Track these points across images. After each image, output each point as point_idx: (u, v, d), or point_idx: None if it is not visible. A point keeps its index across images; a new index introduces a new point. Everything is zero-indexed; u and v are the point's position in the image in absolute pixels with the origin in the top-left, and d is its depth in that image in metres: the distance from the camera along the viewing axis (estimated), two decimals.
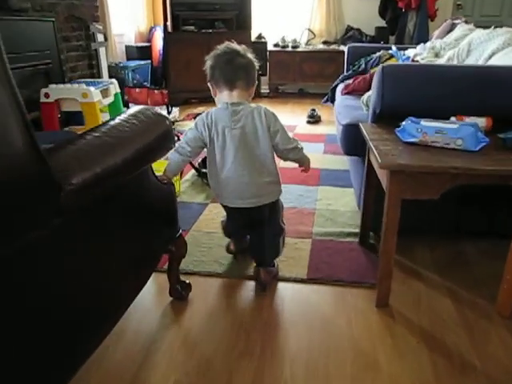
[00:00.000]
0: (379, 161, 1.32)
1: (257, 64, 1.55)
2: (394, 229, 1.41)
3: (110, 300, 1.15)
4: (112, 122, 1.02)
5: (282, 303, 1.59)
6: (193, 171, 2.88)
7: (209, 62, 1.52)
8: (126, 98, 2.49)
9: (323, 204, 2.39)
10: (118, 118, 1.06)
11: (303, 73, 5.59)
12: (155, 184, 1.30)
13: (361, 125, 1.75)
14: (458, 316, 1.51)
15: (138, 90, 2.40)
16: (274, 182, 1.59)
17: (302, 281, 1.71)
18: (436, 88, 1.68)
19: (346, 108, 2.39)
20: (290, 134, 1.57)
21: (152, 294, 1.66)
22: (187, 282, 1.62)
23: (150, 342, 1.41)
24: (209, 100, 5.49)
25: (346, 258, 1.85)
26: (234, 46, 1.53)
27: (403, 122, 1.56)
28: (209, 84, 1.55)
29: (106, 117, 3.76)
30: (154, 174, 1.28)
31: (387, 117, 1.74)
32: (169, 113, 2.44)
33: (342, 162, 3.08)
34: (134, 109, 1.12)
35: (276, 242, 1.68)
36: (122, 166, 0.95)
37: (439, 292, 1.65)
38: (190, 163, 2.79)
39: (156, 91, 2.36)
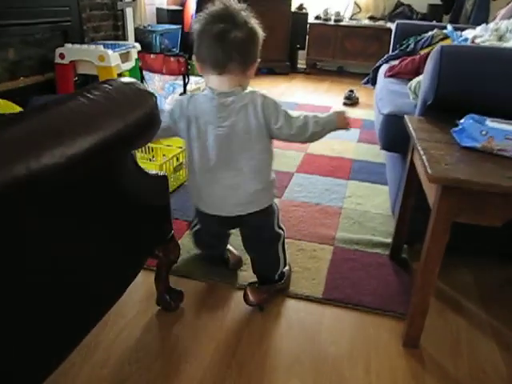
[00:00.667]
0: (428, 171, 1.01)
1: (261, 33, 1.19)
2: (437, 259, 1.10)
3: (74, 314, 0.91)
4: (69, 100, 0.75)
5: (288, 328, 1.31)
6: None
7: (195, 28, 1.17)
8: (139, 64, 2.22)
9: (352, 203, 2.08)
10: (80, 92, 0.78)
11: (344, 49, 5.16)
12: (138, 175, 1.03)
13: (406, 118, 1.42)
14: (506, 370, 1.20)
15: (152, 56, 2.12)
16: (267, 189, 1.29)
17: (315, 300, 1.42)
18: (507, 78, 1.33)
19: (389, 94, 2.04)
20: (296, 113, 1.27)
21: (138, 297, 1.41)
22: (178, 289, 1.37)
23: (123, 363, 1.17)
24: (260, 72, 5.16)
25: (372, 276, 1.55)
26: (232, 7, 1.15)
27: (462, 120, 1.22)
28: (194, 58, 1.21)
29: None
30: (136, 162, 1.01)
31: (441, 110, 1.40)
32: (185, 84, 2.16)
33: (379, 153, 2.73)
34: (107, 82, 0.84)
35: (272, 252, 1.38)
36: (67, 164, 0.68)
37: (483, 332, 1.34)
38: None
39: (172, 58, 2.08)
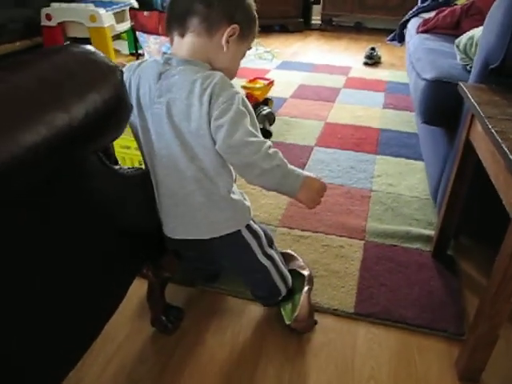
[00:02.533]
0: None
1: None
2: None
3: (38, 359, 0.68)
4: None
5: (314, 356, 1.05)
6: None
7: None
8: (131, 23, 1.90)
9: (382, 184, 1.79)
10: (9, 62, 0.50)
11: (363, 3, 4.69)
12: (109, 178, 0.76)
13: (462, 85, 1.11)
14: None
15: (146, 13, 1.80)
16: (220, 207, 0.95)
17: (346, 315, 1.16)
18: None
19: (428, 53, 1.70)
20: (256, 139, 0.87)
21: (129, 314, 1.15)
22: (177, 306, 1.12)
23: None
24: (271, 29, 4.73)
25: (414, 281, 1.28)
26: None
27: None
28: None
29: (122, 46, 3.18)
30: (105, 163, 0.73)
31: (507, 76, 1.09)
32: None
33: (408, 120, 2.41)
34: (43, 52, 0.55)
35: (267, 285, 1.08)
36: None
37: None
38: None
39: None
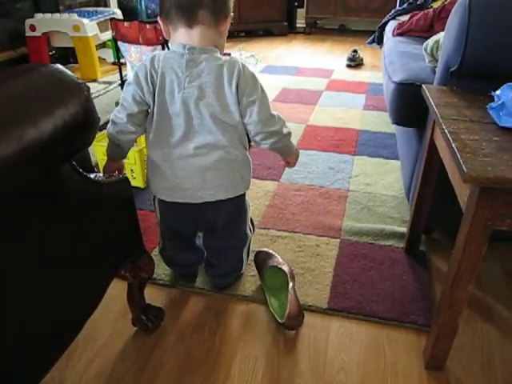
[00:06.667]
0: (463, 167, 0.76)
1: None
2: (470, 275, 0.87)
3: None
4: None
5: (287, 350, 1.10)
6: None
7: None
8: (112, 34, 1.94)
9: (359, 183, 1.84)
10: None
11: (346, 5, 4.76)
12: (85, 186, 0.80)
13: (425, 88, 1.16)
14: None
15: (126, 24, 1.84)
16: (243, 170, 1.10)
17: (319, 311, 1.21)
18: None
19: (401, 56, 1.76)
20: (274, 112, 1.07)
21: (112, 316, 1.19)
22: (157, 306, 1.16)
23: None
24: (255, 34, 4.77)
25: (386, 276, 1.33)
26: None
27: (498, 91, 0.97)
28: (159, 19, 1.04)
29: (107, 54, 3.22)
30: (79, 171, 0.77)
31: (469, 77, 1.14)
32: None
33: (388, 121, 2.46)
34: (13, 72, 0.59)
35: (236, 257, 1.25)
36: None
37: None
38: None
39: (148, 26, 1.80)
